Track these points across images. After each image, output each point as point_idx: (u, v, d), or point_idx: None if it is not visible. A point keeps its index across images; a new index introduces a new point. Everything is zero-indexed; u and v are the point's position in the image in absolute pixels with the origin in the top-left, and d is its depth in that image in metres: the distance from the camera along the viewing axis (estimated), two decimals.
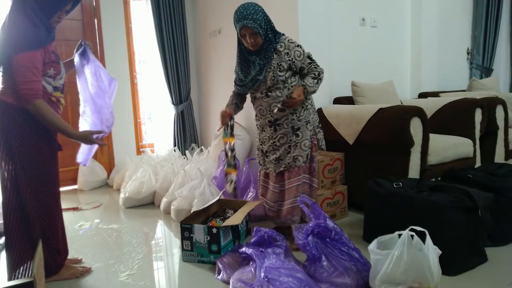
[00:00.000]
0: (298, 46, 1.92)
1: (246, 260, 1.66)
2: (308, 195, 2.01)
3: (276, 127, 1.95)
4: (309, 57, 1.93)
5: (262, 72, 1.88)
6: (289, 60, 1.87)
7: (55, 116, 1.63)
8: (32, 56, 1.56)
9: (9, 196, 1.63)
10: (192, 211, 2.33)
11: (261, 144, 2.07)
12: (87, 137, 1.74)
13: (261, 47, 1.88)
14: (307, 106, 1.96)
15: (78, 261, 2.03)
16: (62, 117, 1.72)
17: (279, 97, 1.89)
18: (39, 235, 1.67)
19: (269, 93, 1.91)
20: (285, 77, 1.88)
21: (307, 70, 1.92)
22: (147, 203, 3.11)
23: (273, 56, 1.87)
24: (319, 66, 1.93)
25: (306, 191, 2.02)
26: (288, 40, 1.91)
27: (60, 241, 1.80)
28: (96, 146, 1.92)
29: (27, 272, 1.63)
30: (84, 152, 1.97)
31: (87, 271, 1.89)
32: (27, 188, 1.64)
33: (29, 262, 1.65)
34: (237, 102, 2.09)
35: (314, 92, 1.94)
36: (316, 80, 1.90)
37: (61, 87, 1.78)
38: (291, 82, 1.91)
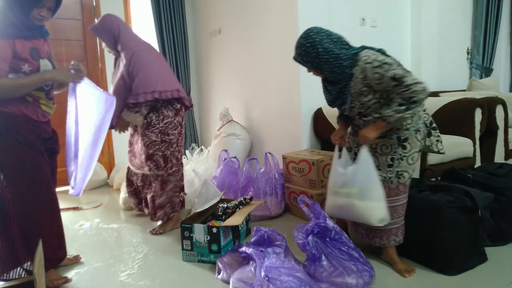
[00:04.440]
0: (379, 66, 1.56)
1: (246, 259, 1.66)
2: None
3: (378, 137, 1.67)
4: (395, 77, 1.53)
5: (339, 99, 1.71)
6: (366, 85, 1.62)
7: (20, 80, 1.59)
8: None
9: None
10: (192, 212, 2.33)
11: (353, 144, 1.81)
12: (64, 72, 1.72)
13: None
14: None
15: (77, 260, 2.03)
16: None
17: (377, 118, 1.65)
18: (20, 241, 1.64)
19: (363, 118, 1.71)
20: (374, 94, 1.63)
21: (394, 95, 1.57)
22: None
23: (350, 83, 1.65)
24: (413, 85, 1.51)
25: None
26: (365, 59, 1.59)
27: (49, 248, 1.72)
28: (90, 172, 1.78)
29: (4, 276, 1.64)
30: (76, 181, 1.83)
31: (64, 283, 1.81)
32: (8, 194, 1.62)
33: (9, 265, 1.64)
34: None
35: (401, 119, 1.56)
36: (404, 107, 1.53)
37: (46, 89, 1.72)
38: (377, 94, 1.64)
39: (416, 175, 2.25)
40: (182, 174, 2.49)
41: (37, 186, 1.68)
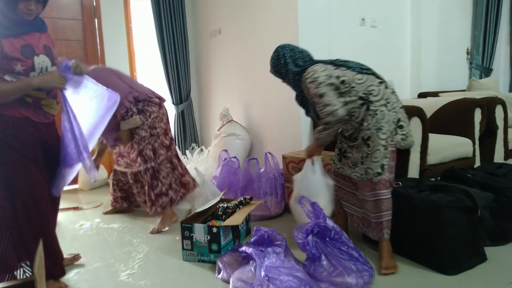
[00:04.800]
0: (312, 82, 1.77)
1: (246, 259, 1.67)
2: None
3: (351, 137, 1.83)
4: (316, 95, 1.75)
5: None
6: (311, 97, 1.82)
7: (3, 87, 1.50)
8: None
9: None
10: (192, 212, 2.34)
11: (340, 143, 1.94)
12: (52, 76, 1.57)
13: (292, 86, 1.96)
14: (375, 111, 1.73)
15: (77, 259, 2.02)
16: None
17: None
18: (10, 248, 1.58)
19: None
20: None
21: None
22: None
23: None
24: (326, 106, 1.72)
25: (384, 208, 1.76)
26: (305, 75, 1.83)
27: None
28: (73, 174, 1.70)
29: None
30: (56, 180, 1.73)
31: None
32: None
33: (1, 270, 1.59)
34: None
35: (320, 138, 1.82)
36: (321, 126, 1.78)
37: (47, 88, 1.63)
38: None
39: (416, 174, 2.26)
40: (176, 164, 2.62)
41: (25, 199, 1.59)
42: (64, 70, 1.66)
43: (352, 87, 1.75)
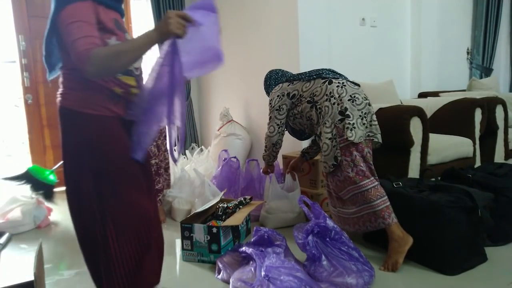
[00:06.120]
0: (269, 104, 2.12)
1: (246, 259, 1.66)
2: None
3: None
4: (268, 115, 2.11)
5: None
6: None
7: (118, 46, 1.13)
8: (75, 8, 1.08)
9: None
10: (192, 212, 2.33)
11: None
12: (169, 20, 1.07)
13: None
14: (320, 108, 1.85)
15: None
16: None
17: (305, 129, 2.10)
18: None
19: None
20: (291, 116, 2.08)
21: None
22: None
23: None
24: (268, 129, 2.12)
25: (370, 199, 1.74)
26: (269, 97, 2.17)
27: None
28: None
29: None
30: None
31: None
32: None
33: None
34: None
35: (268, 160, 2.27)
36: (264, 149, 2.22)
37: (136, 73, 1.27)
38: (297, 115, 2.04)
39: (416, 174, 2.26)
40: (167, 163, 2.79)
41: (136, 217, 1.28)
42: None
43: (302, 96, 1.97)
